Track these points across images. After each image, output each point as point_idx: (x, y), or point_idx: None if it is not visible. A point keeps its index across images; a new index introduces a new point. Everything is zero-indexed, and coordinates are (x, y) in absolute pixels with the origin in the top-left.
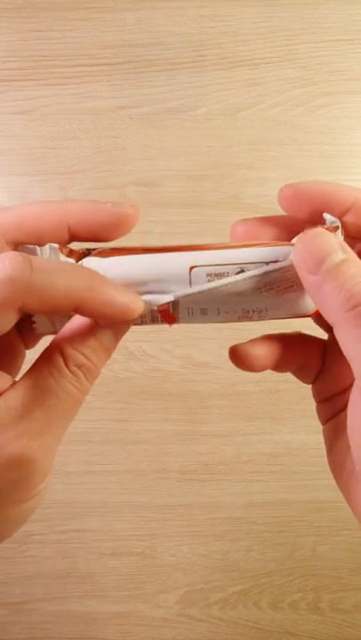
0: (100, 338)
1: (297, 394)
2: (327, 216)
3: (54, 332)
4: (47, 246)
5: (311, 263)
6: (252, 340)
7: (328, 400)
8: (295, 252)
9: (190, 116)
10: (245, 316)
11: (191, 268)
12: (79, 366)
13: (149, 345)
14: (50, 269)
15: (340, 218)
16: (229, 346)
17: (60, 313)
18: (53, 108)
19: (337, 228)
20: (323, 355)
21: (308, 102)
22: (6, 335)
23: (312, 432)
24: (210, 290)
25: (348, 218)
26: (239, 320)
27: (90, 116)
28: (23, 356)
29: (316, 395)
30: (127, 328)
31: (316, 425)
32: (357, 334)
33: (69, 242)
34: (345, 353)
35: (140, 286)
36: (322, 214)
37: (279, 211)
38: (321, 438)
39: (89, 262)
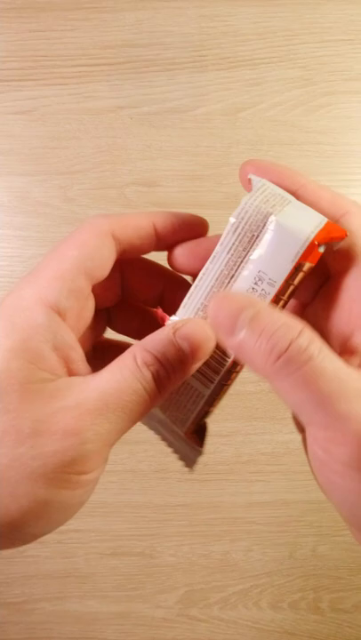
0: (178, 347)
1: None
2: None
3: None
4: None
5: (226, 328)
6: None
7: None
8: (209, 318)
9: (190, 116)
10: None
11: None
12: (148, 365)
13: None
14: None
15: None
16: None
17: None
18: (53, 108)
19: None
20: None
21: (308, 102)
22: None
23: None
24: None
25: None
26: None
27: (90, 116)
28: None
29: None
30: (209, 349)
31: None
32: (290, 384)
33: (158, 242)
34: (287, 405)
35: None
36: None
37: None
38: None
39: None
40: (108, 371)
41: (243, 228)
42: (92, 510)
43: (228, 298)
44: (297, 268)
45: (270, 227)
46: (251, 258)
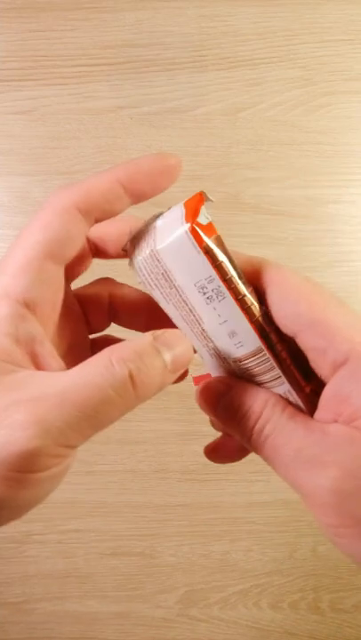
0: (159, 350)
1: None
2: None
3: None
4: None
5: (210, 415)
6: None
7: None
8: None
9: (190, 116)
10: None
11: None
12: (125, 361)
13: None
14: None
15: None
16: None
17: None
18: (53, 108)
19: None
20: None
21: (308, 102)
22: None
23: None
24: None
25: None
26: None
27: (90, 116)
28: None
29: None
30: (188, 360)
31: None
32: (265, 458)
33: (130, 198)
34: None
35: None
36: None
37: (278, 211)
38: None
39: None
40: (79, 367)
41: (152, 279)
42: (92, 510)
43: (203, 391)
44: (207, 251)
45: (161, 258)
46: (180, 285)
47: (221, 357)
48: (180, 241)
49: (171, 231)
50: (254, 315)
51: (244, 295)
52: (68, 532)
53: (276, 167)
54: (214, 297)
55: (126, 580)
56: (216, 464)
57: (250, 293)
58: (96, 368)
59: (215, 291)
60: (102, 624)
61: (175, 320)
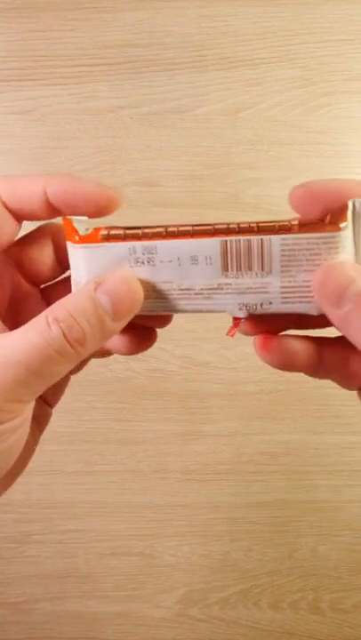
0: (97, 303)
1: (297, 394)
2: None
3: None
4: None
5: (333, 297)
6: (287, 335)
7: None
8: (314, 287)
9: (190, 116)
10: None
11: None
12: (58, 321)
13: None
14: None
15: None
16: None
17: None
18: (53, 108)
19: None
20: None
21: (308, 102)
22: None
23: (312, 432)
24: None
25: None
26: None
27: (90, 116)
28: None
29: None
30: (134, 305)
31: (316, 425)
32: None
33: (49, 210)
34: None
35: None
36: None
37: (278, 211)
38: (321, 438)
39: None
40: (20, 328)
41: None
42: (92, 510)
43: (337, 269)
44: (107, 238)
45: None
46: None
47: (218, 288)
48: (86, 256)
49: (76, 262)
50: (189, 232)
51: (165, 228)
52: (68, 532)
53: (276, 167)
54: (151, 255)
55: (126, 579)
56: (215, 463)
57: (169, 226)
58: (35, 328)
59: (145, 252)
60: (102, 624)
61: (164, 310)
